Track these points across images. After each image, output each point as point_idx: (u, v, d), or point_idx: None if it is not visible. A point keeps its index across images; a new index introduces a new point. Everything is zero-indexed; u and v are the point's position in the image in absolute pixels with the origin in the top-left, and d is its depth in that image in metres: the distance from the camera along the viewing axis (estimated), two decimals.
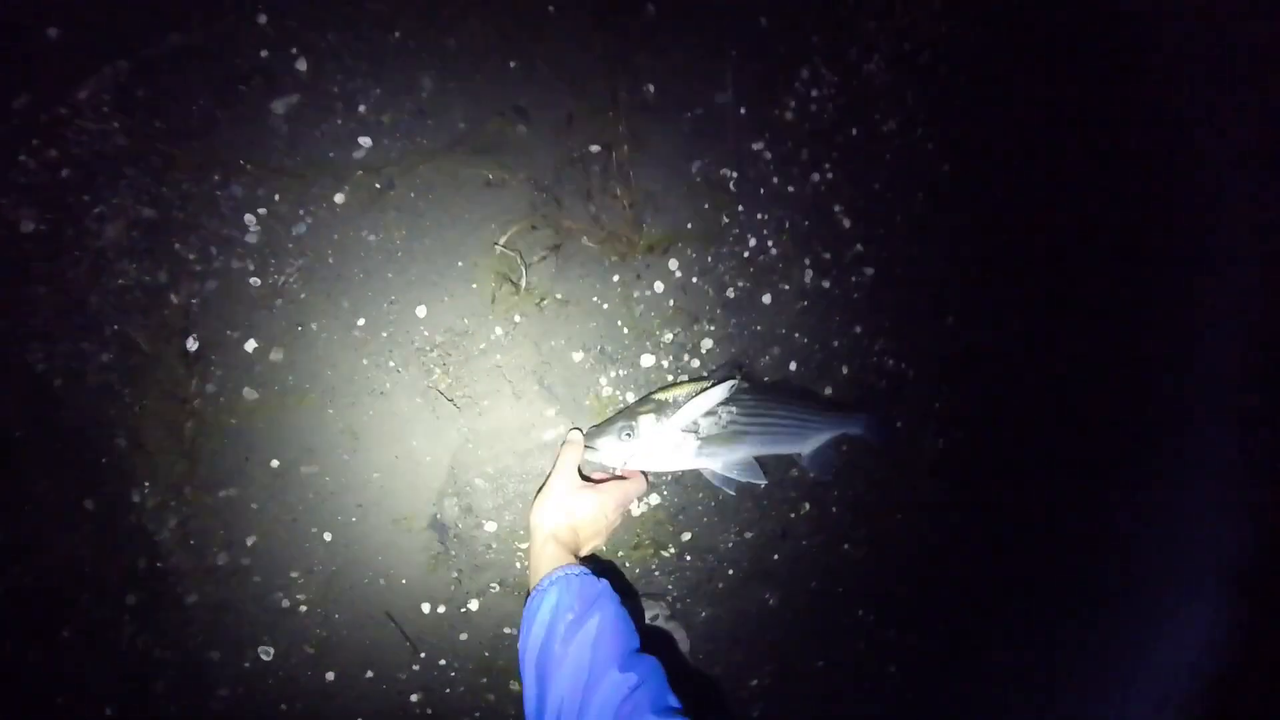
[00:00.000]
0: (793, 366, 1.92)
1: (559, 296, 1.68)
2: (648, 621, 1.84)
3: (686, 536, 1.88)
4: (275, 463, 1.56)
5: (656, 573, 1.87)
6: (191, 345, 1.47)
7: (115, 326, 1.45)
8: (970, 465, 2.21)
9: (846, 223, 1.93)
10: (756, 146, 1.82)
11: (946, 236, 2.08)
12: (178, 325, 1.48)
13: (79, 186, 1.40)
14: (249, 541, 1.58)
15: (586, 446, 1.54)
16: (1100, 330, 2.35)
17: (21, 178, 1.36)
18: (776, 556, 2.00)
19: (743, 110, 1.80)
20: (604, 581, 1.29)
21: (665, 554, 1.86)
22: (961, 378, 2.16)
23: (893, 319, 2.03)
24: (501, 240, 1.61)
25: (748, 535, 1.94)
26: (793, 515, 1.99)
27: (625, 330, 1.74)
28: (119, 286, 1.44)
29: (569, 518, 1.43)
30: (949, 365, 2.15)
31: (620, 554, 1.84)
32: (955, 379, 2.16)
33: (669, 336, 1.77)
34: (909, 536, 2.15)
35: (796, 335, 1.91)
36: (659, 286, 1.74)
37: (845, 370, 1.99)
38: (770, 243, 1.85)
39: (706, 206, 1.78)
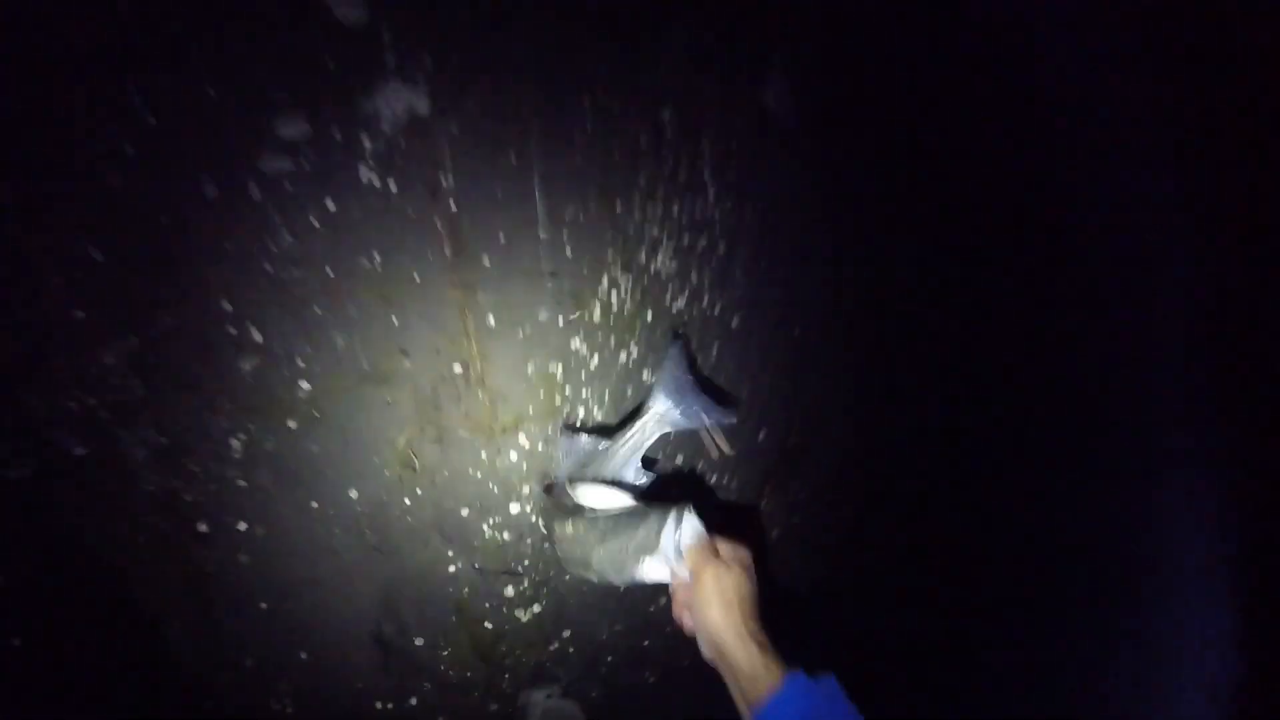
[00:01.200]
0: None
1: (445, 473, 2.47)
2: (544, 701, 2.57)
3: (567, 633, 2.62)
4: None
5: (546, 663, 2.62)
6: (202, 528, 2.30)
7: (146, 519, 2.28)
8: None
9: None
10: (574, 345, 2.56)
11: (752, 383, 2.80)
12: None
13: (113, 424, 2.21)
14: None
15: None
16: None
17: (69, 414, 2.16)
18: (647, 642, 2.71)
19: (561, 321, 2.55)
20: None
21: (551, 648, 2.61)
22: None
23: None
24: (401, 441, 2.42)
25: (618, 628, 2.66)
26: (652, 609, 2.70)
27: (495, 489, 2.51)
28: (147, 491, 2.24)
29: (740, 604, 1.32)
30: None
31: (508, 654, 2.60)
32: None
33: (526, 490, 2.53)
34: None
35: None
36: (514, 456, 2.51)
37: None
38: (595, 410, 2.59)
39: (541, 394, 2.54)
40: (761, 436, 2.81)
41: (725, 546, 1.48)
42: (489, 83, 2.44)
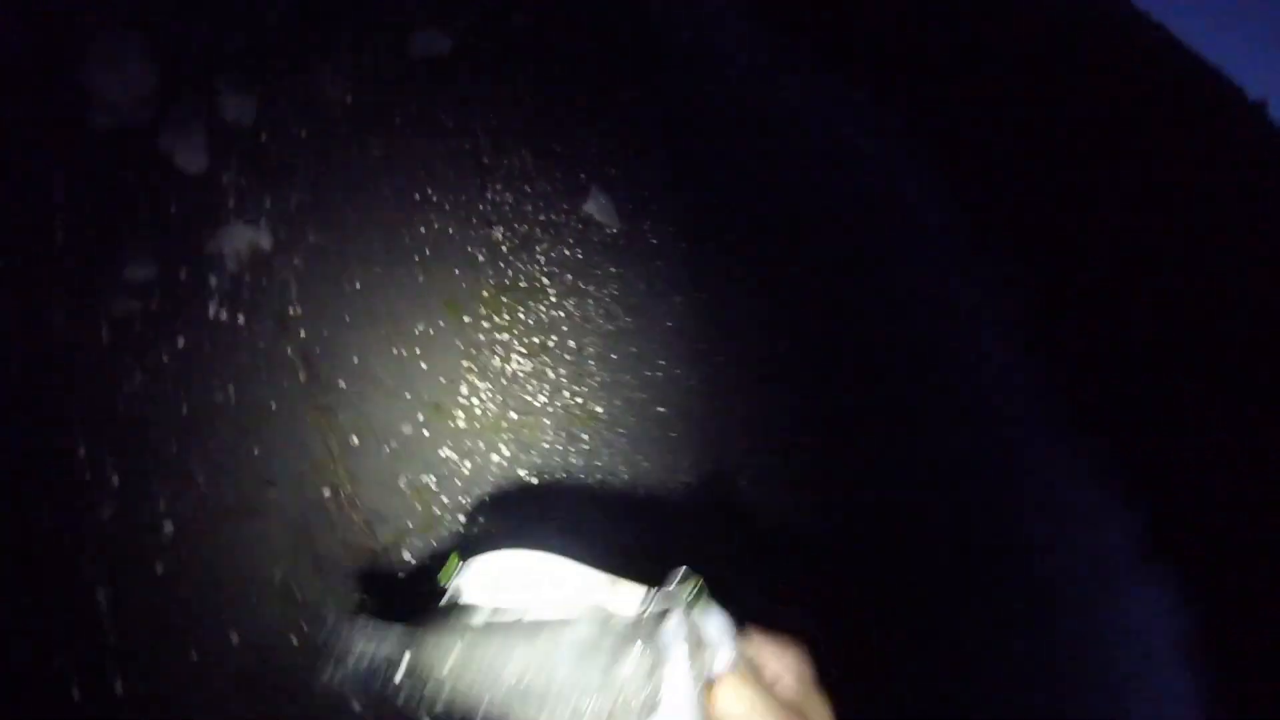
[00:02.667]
0: None
1: (329, 603, 2.40)
2: None
3: None
4: None
5: None
6: (75, 695, 2.14)
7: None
8: None
9: (533, 480, 2.70)
10: (444, 454, 2.60)
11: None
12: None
13: None
14: None
15: None
16: None
17: None
18: None
19: (425, 432, 2.59)
20: None
21: None
22: None
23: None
24: (278, 575, 2.35)
25: None
26: None
27: (390, 612, 2.45)
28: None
29: None
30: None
31: None
32: None
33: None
34: None
35: None
36: (401, 575, 2.48)
37: None
38: (479, 518, 2.60)
39: (418, 507, 2.54)
40: (655, 514, 2.88)
41: (784, 665, 0.85)
42: (327, 215, 2.57)
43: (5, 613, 2.05)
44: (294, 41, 2.72)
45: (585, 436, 2.83)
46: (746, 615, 0.89)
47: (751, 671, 0.81)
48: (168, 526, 2.23)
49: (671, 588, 0.85)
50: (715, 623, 0.82)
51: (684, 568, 0.88)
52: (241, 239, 2.50)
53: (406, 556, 2.46)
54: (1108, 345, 3.97)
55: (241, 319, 2.43)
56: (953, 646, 3.42)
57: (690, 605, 0.82)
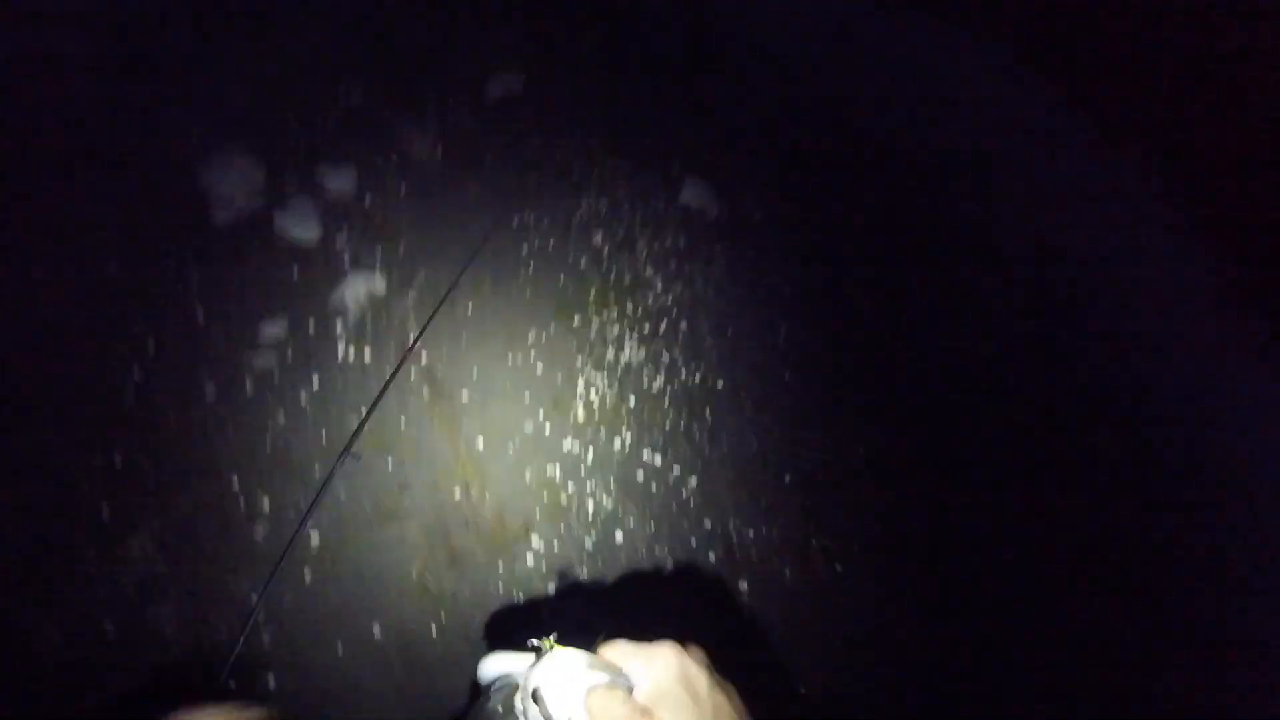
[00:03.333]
0: (664, 573, 2.62)
1: (466, 593, 2.53)
2: None
3: None
4: None
5: None
6: (232, 685, 2.38)
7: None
8: None
9: (657, 460, 2.71)
10: (566, 446, 2.69)
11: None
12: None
13: (141, 601, 2.40)
14: None
15: None
16: None
17: (101, 596, 2.36)
18: None
19: (547, 428, 2.70)
20: None
21: None
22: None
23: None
24: (415, 570, 2.52)
25: None
26: None
27: (520, 598, 2.54)
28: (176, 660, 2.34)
29: None
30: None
31: None
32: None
33: (550, 587, 2.55)
34: None
35: (657, 550, 2.62)
36: (530, 560, 2.57)
37: (711, 556, 2.66)
38: (604, 498, 2.65)
39: (545, 496, 2.63)
40: (787, 479, 2.78)
41: (643, 671, 0.81)
42: (434, 253, 2.83)
43: (175, 622, 2.34)
44: (381, 113, 3.06)
45: (708, 411, 2.81)
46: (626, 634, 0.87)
47: (610, 688, 0.79)
48: (314, 538, 2.45)
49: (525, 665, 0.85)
50: (564, 665, 0.81)
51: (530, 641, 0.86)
52: (359, 288, 2.80)
53: (535, 542, 2.52)
54: None
55: (368, 354, 2.69)
56: None
57: (533, 665, 0.82)
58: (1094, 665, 2.69)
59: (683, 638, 0.88)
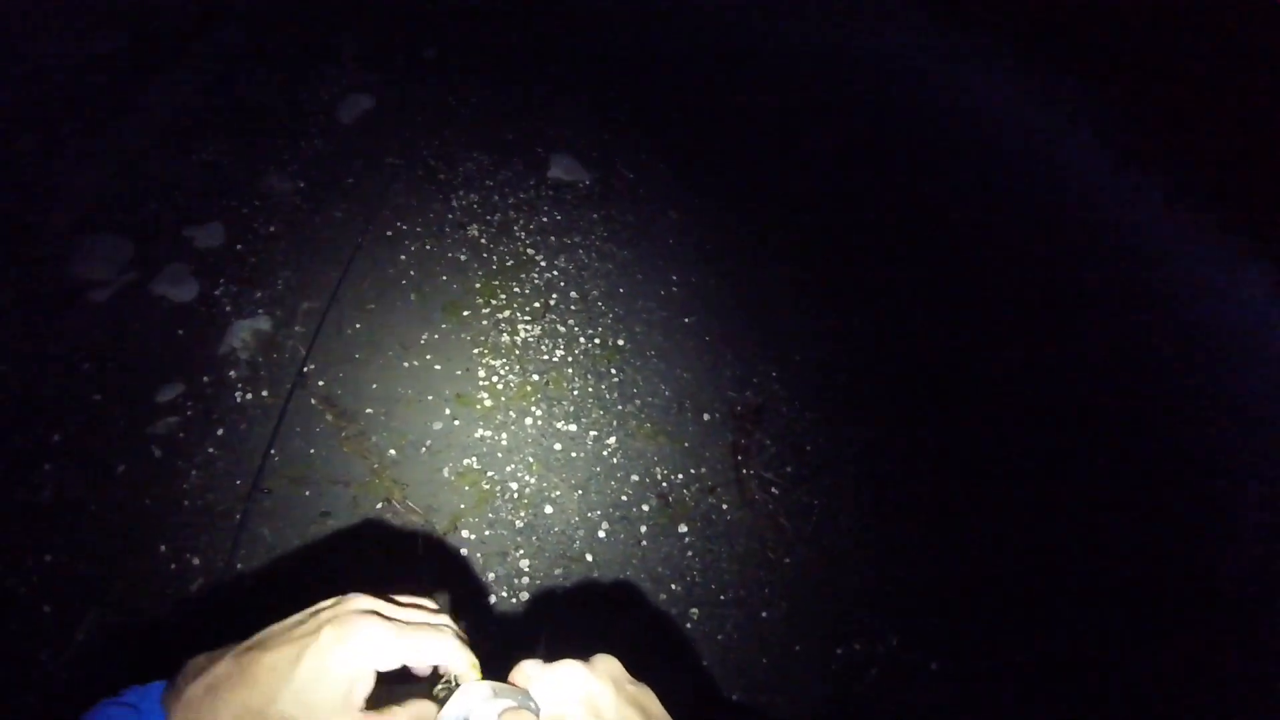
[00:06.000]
0: (602, 534, 2.61)
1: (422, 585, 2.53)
2: None
3: None
4: None
5: None
6: None
7: None
8: None
9: (572, 427, 2.71)
10: (479, 434, 2.70)
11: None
12: None
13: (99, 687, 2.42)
14: None
15: None
16: None
17: (61, 694, 2.40)
18: None
19: (456, 422, 2.70)
20: None
21: None
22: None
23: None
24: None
25: None
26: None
27: (461, 589, 2.54)
28: None
29: None
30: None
31: None
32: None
33: (491, 575, 2.55)
34: None
35: (590, 515, 2.62)
36: (464, 551, 2.57)
37: (645, 508, 2.65)
38: (526, 476, 2.65)
39: (467, 488, 2.64)
40: (707, 418, 2.78)
41: (555, 690, 0.79)
42: (312, 282, 2.83)
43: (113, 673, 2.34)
44: (238, 163, 3.08)
45: (614, 371, 2.81)
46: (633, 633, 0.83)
47: (515, 713, 0.78)
48: (248, 581, 2.46)
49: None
50: (470, 699, 0.79)
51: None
52: (245, 332, 2.81)
53: (466, 534, 2.52)
54: None
55: (265, 393, 2.71)
56: None
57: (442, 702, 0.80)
58: (1044, 595, 2.69)
59: (592, 648, 0.85)
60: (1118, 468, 2.96)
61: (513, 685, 0.80)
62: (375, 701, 0.71)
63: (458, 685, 0.79)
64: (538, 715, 0.78)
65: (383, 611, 0.75)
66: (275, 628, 0.74)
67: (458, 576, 2.45)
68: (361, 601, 0.76)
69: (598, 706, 0.77)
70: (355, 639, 0.70)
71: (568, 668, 0.80)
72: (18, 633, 2.41)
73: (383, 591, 0.81)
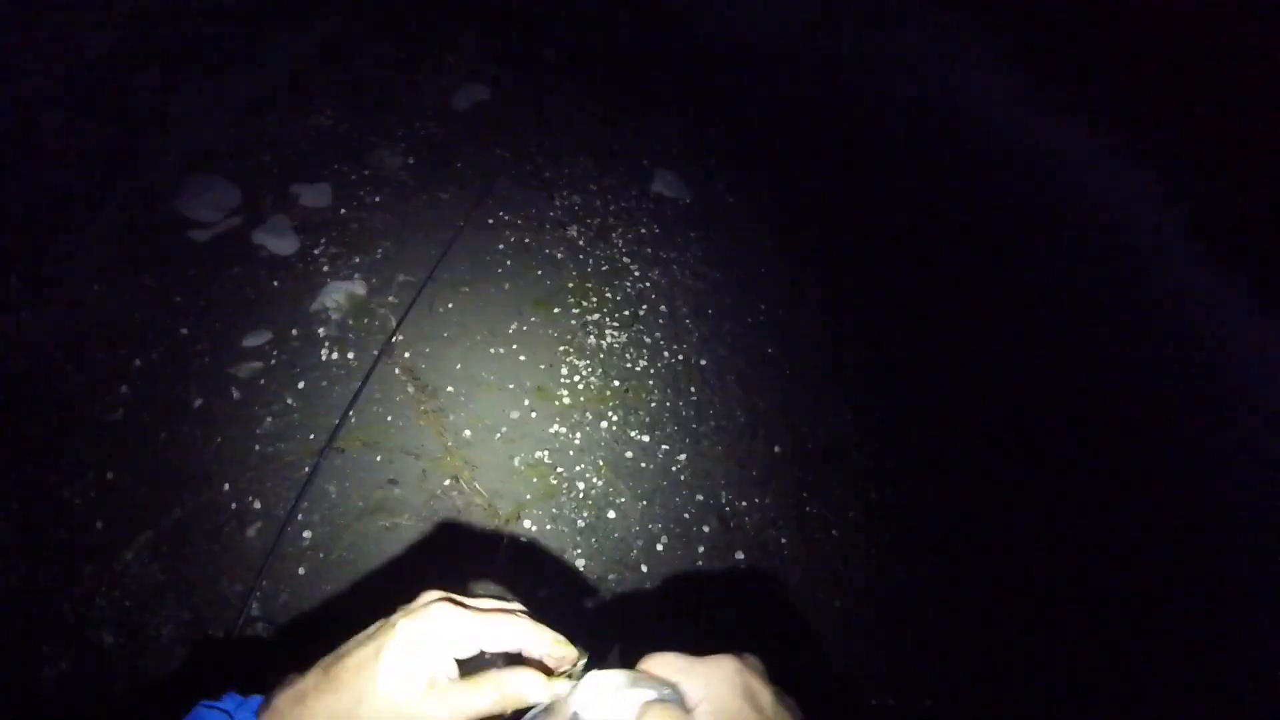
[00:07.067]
0: (660, 547, 2.61)
1: (462, 582, 2.51)
2: None
3: None
4: None
5: None
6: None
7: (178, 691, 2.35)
8: None
9: (645, 438, 2.72)
10: (553, 429, 2.70)
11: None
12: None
13: (139, 610, 2.39)
14: None
15: None
16: None
17: (100, 612, 2.35)
18: None
19: (533, 414, 2.71)
20: None
21: None
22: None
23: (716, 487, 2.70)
24: (408, 562, 2.51)
25: None
26: None
27: (517, 579, 2.53)
28: (176, 665, 2.28)
29: None
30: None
31: None
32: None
33: (545, 570, 2.53)
34: None
35: (651, 526, 2.61)
36: (523, 541, 2.56)
37: (706, 529, 2.63)
38: (594, 478, 2.65)
39: (534, 479, 2.64)
40: (778, 450, 2.78)
41: (702, 690, 0.73)
42: (412, 255, 2.86)
43: (172, 627, 2.33)
44: (353, 132, 3.13)
45: (693, 389, 2.82)
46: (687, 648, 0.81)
47: (663, 706, 0.73)
48: (307, 536, 2.45)
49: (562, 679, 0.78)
50: (605, 687, 0.75)
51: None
52: (340, 293, 2.84)
53: (528, 524, 2.51)
54: None
55: (351, 355, 2.72)
56: None
57: (576, 683, 0.76)
58: (1092, 623, 2.66)
59: (738, 648, 0.79)
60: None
61: (652, 675, 0.75)
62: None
63: (585, 671, 0.76)
64: (683, 708, 0.72)
65: (456, 599, 0.74)
66: (355, 637, 0.74)
67: (512, 564, 2.42)
68: (434, 595, 0.75)
69: (760, 704, 0.73)
70: (430, 626, 0.70)
71: (726, 660, 0.75)
72: (66, 542, 2.41)
73: (455, 590, 0.76)
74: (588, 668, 0.77)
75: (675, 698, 0.72)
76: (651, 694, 0.72)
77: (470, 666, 0.73)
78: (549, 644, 0.75)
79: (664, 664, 0.74)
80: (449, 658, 0.70)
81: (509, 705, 0.70)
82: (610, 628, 2.41)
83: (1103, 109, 3.78)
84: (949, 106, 3.54)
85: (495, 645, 0.73)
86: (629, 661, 0.76)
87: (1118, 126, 3.68)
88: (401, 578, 2.41)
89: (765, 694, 0.73)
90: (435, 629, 0.70)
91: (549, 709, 0.74)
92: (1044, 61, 3.72)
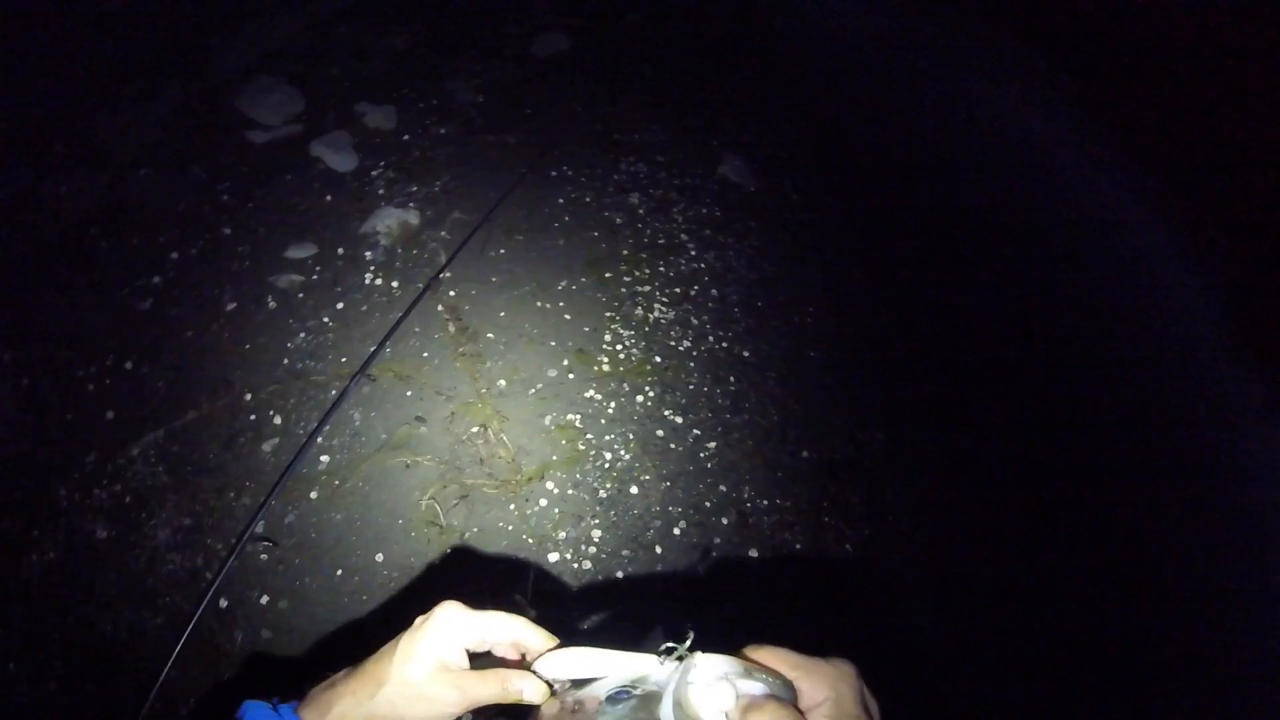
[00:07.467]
0: (677, 531, 2.55)
1: (475, 529, 2.45)
2: None
3: None
4: None
5: None
6: (223, 603, 2.28)
7: (167, 599, 2.28)
8: None
9: (678, 419, 2.66)
10: (589, 394, 2.64)
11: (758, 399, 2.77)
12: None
13: (138, 508, 2.32)
14: None
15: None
16: None
17: (97, 503, 2.30)
18: None
19: (571, 375, 2.65)
20: None
21: None
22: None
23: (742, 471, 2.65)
24: (424, 502, 2.44)
25: None
26: None
27: (529, 540, 2.46)
28: (169, 570, 2.25)
29: None
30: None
31: None
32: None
33: (562, 535, 2.47)
34: None
35: (671, 509, 2.55)
36: (543, 502, 2.49)
37: (724, 521, 2.57)
38: (622, 451, 2.59)
39: (563, 442, 2.57)
40: (805, 455, 2.73)
41: (820, 691, 0.73)
42: (470, 194, 2.78)
43: (169, 532, 2.25)
44: (427, 60, 3.05)
45: (732, 379, 2.76)
46: (799, 644, 0.77)
47: (778, 704, 0.70)
48: (323, 459, 2.38)
49: (661, 657, 0.76)
50: (713, 673, 0.72)
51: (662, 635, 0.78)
52: (392, 219, 2.75)
53: (550, 486, 2.45)
54: None
55: (395, 284, 2.65)
56: None
57: (681, 665, 0.73)
58: (1101, 666, 2.63)
59: (738, 645, 0.78)
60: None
61: (762, 666, 0.73)
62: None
63: (685, 655, 0.73)
64: (794, 706, 0.71)
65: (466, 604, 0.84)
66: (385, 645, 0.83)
67: (528, 524, 2.36)
68: (450, 602, 0.84)
69: (872, 713, 0.74)
70: (438, 621, 0.80)
71: (845, 665, 0.76)
72: (73, 425, 2.34)
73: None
74: (670, 652, 0.75)
75: (788, 694, 0.72)
76: (760, 687, 0.71)
77: (482, 663, 0.82)
78: (543, 643, 0.83)
79: (775, 658, 0.74)
80: (459, 647, 0.80)
81: (510, 698, 0.78)
82: (616, 604, 2.34)
83: None
84: (1023, 142, 3.49)
85: (493, 636, 0.82)
86: (733, 650, 0.75)
87: None
88: (413, 522, 2.34)
89: (874, 703, 0.75)
90: (446, 621, 0.80)
91: (649, 690, 0.74)
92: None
